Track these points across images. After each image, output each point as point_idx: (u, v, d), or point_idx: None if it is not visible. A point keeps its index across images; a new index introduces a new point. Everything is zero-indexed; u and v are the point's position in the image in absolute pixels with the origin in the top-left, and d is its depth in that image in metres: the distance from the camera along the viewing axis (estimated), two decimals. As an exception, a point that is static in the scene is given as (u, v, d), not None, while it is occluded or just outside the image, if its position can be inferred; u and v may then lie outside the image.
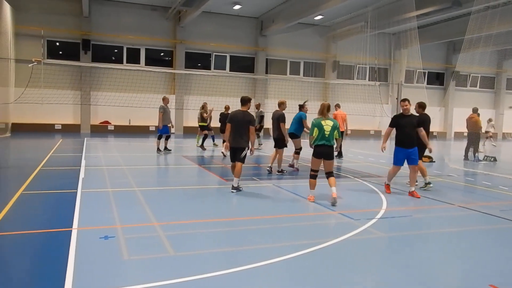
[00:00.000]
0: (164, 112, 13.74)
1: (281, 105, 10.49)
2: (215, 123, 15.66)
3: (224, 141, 14.51)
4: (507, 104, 32.37)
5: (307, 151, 9.79)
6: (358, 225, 5.86)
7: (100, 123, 23.49)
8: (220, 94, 21.80)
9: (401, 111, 8.20)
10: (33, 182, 8.39)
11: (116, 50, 23.83)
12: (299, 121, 10.74)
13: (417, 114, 8.80)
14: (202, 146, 15.51)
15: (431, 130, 9.14)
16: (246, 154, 8.00)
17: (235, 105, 14.23)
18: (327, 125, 7.10)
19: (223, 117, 14.43)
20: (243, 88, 24.57)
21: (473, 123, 15.16)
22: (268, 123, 22.23)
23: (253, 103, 8.71)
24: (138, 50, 24.00)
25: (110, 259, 4.31)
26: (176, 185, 9.38)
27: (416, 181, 8.83)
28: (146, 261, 4.31)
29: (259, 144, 16.12)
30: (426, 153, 8.86)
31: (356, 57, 27.19)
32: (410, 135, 7.91)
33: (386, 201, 7.52)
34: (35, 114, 21.40)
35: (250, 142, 7.94)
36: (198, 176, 10.61)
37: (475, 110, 15.44)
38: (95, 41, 22.83)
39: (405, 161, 8.08)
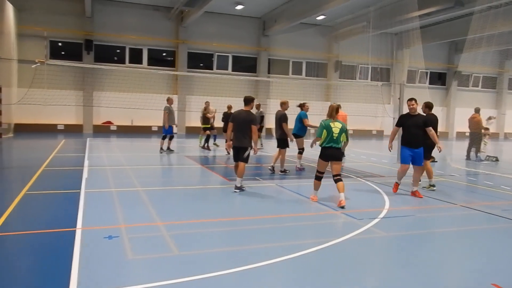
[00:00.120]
0: (169, 112, 13.86)
1: (283, 105, 10.52)
2: (218, 122, 15.71)
3: (226, 141, 14.62)
4: (509, 104, 32.30)
5: (309, 151, 9.82)
6: (361, 224, 5.88)
7: (103, 123, 23.56)
8: (222, 94, 21.80)
9: (408, 111, 8.18)
10: (37, 182, 8.43)
11: (118, 51, 23.89)
12: (301, 121, 10.79)
13: (424, 114, 8.76)
14: (205, 146, 15.54)
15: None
16: (249, 154, 8.03)
17: (237, 106, 14.31)
18: (336, 127, 7.02)
19: (226, 117, 14.46)
20: (245, 88, 24.59)
21: (475, 123, 15.15)
22: (269, 123, 22.39)
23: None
24: (141, 50, 24.06)
25: (115, 259, 4.34)
26: (179, 185, 9.41)
27: (420, 181, 8.85)
28: (150, 260, 4.34)
29: (260, 144, 16.15)
30: (435, 152, 8.82)
31: (358, 57, 27.25)
32: (416, 135, 7.87)
33: (389, 201, 7.54)
34: (38, 115, 21.48)
35: (253, 141, 7.97)
36: (201, 176, 10.64)
37: (477, 110, 15.43)
38: (97, 41, 22.89)
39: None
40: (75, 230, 5.21)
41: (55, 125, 22.56)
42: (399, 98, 13.90)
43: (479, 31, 17.57)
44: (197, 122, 20.02)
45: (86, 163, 11.16)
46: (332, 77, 27.15)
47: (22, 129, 20.74)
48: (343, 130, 7.08)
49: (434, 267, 4.52)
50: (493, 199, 8.26)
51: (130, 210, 6.41)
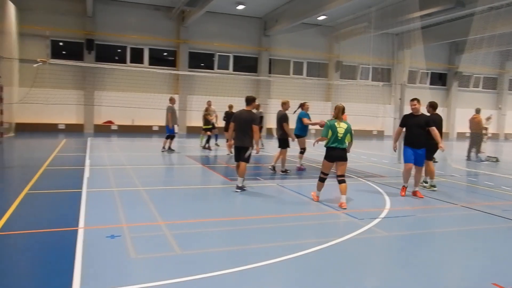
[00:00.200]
0: (172, 112, 14.00)
1: (284, 105, 10.53)
2: (220, 122, 15.74)
3: (227, 140, 14.66)
4: (509, 104, 32.30)
5: (311, 152, 9.87)
6: (362, 224, 5.91)
7: (104, 122, 23.58)
8: (223, 94, 21.80)
9: (411, 111, 8.16)
10: (38, 181, 8.45)
11: (119, 50, 23.92)
12: (301, 121, 10.82)
13: (428, 114, 8.74)
14: (205, 146, 15.57)
15: None
16: (250, 153, 8.05)
17: (238, 105, 14.34)
18: (341, 127, 7.00)
19: (228, 116, 14.49)
20: (246, 88, 24.58)
21: (476, 124, 15.16)
22: (270, 123, 22.41)
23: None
24: (142, 50, 24.08)
25: (117, 258, 4.37)
26: (180, 184, 9.44)
27: (425, 181, 8.83)
28: (153, 259, 4.36)
29: (261, 144, 16.17)
30: (437, 152, 8.82)
31: (359, 57, 27.25)
32: (418, 135, 7.88)
33: (390, 201, 7.56)
34: (39, 114, 21.50)
35: (254, 141, 7.99)
36: (202, 175, 10.67)
37: (478, 111, 15.44)
38: (98, 41, 22.92)
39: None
40: (77, 230, 5.24)
41: (56, 125, 22.59)
42: (400, 99, 13.92)
43: (480, 32, 17.58)
44: (198, 122, 20.05)
45: (87, 162, 11.19)
46: (333, 77, 27.17)
47: (23, 129, 20.76)
48: (348, 131, 7.05)
49: (435, 267, 4.54)
50: (494, 200, 8.28)
51: (132, 209, 6.44)
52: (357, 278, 4.17)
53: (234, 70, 25.82)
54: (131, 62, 23.79)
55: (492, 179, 10.91)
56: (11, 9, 19.62)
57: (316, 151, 15.35)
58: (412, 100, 8.11)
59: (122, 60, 23.80)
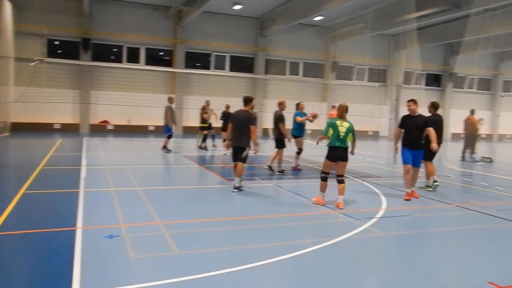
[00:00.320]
0: (171, 112, 14.08)
1: (280, 105, 10.56)
2: (217, 122, 15.74)
3: (224, 140, 14.69)
4: (503, 106, 32.52)
5: (307, 152, 9.93)
6: (359, 224, 5.96)
7: (100, 122, 23.50)
8: (219, 94, 21.88)
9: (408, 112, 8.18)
10: (35, 181, 8.43)
11: (116, 49, 23.84)
12: (298, 122, 10.90)
13: (426, 115, 8.70)
14: (202, 146, 15.58)
15: None
16: (247, 154, 8.08)
17: (235, 105, 14.36)
18: (343, 126, 6.93)
19: (225, 116, 14.51)
20: (243, 88, 24.64)
21: (470, 124, 15.30)
22: (266, 123, 22.44)
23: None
24: (138, 49, 24.02)
25: (116, 258, 4.39)
26: (178, 184, 9.45)
27: (428, 186, 8.85)
28: (152, 259, 4.39)
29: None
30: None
31: (355, 58, 27.37)
32: (415, 136, 7.89)
33: (386, 201, 7.62)
34: (34, 113, 21.38)
35: (252, 141, 8.02)
36: (200, 176, 10.69)
37: (472, 112, 15.58)
38: (95, 40, 22.84)
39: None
40: (75, 230, 5.25)
41: (52, 124, 22.48)
42: (395, 99, 14.00)
43: (475, 34, 17.73)
44: (194, 122, 20.06)
45: (84, 162, 11.17)
46: (329, 78, 27.25)
47: (19, 128, 20.65)
48: (350, 130, 6.98)
49: (432, 266, 4.60)
50: (488, 200, 8.37)
51: (130, 209, 6.45)
52: (355, 278, 4.22)
53: (231, 70, 25.83)
54: (128, 61, 23.73)
55: (487, 180, 11.02)
56: (8, 7, 19.51)
57: (312, 151, 15.41)
58: (408, 101, 8.12)
59: (119, 60, 23.74)
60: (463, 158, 15.30)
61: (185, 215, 6.30)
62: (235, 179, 8.10)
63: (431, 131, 7.91)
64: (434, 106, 9.08)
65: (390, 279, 4.25)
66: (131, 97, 21.45)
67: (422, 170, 8.65)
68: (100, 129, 23.13)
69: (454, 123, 29.80)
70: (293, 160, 11.36)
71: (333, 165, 7.11)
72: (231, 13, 24.64)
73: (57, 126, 22.62)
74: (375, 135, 29.04)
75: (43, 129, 21.59)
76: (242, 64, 26.24)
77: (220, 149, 15.33)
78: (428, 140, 8.05)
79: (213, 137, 16.14)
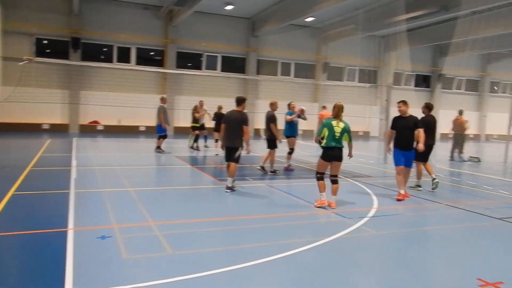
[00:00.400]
0: (164, 112, 14.09)
1: (272, 105, 10.58)
2: (210, 123, 15.70)
3: (216, 141, 14.69)
4: (490, 106, 32.99)
5: (299, 152, 9.98)
6: (351, 223, 6.02)
7: (89, 123, 23.29)
8: (211, 94, 21.87)
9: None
10: (24, 182, 8.33)
11: (106, 49, 23.66)
12: (289, 122, 10.99)
13: (418, 115, 8.76)
14: (193, 146, 15.55)
15: None
16: (240, 154, 8.10)
17: (226, 105, 14.37)
18: (338, 126, 6.85)
19: (217, 117, 14.50)
20: (234, 88, 24.64)
21: (458, 125, 15.51)
22: (257, 124, 22.47)
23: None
24: (129, 49, 23.86)
25: (109, 259, 4.37)
26: (170, 185, 9.42)
27: (434, 179, 8.84)
28: (145, 260, 4.38)
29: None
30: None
31: (346, 58, 27.55)
32: (406, 137, 7.94)
33: (377, 200, 7.70)
34: (22, 114, 21.10)
35: (245, 141, 8.04)
36: (192, 176, 10.67)
37: (460, 112, 15.80)
38: (85, 39, 22.63)
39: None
40: (66, 231, 5.21)
41: (40, 125, 22.21)
42: (386, 100, 14.14)
43: (463, 35, 17.95)
44: (185, 123, 19.99)
45: (73, 163, 11.07)
46: (320, 78, 27.38)
47: (6, 128, 20.38)
48: (346, 130, 6.90)
49: (422, 263, 4.68)
50: (476, 199, 8.51)
51: (122, 210, 6.43)
52: (348, 276, 4.26)
53: (222, 70, 25.81)
54: (118, 61, 23.56)
55: (475, 179, 11.19)
56: (-5, 6, 19.26)
57: (304, 151, 15.49)
58: (398, 102, 8.19)
59: (109, 59, 23.55)
60: (451, 158, 15.50)
61: (178, 216, 6.29)
62: (227, 179, 8.11)
63: (420, 132, 7.98)
64: (428, 107, 9.20)
65: (382, 276, 4.30)
66: (121, 97, 21.29)
67: (424, 170, 8.73)
68: (90, 130, 22.93)
69: (442, 123, 30.17)
70: (285, 160, 11.40)
71: (328, 165, 7.03)
72: (223, 13, 24.62)
73: (45, 127, 22.36)
74: (366, 135, 29.25)
75: (32, 130, 21.32)
76: (233, 65, 26.23)
77: (212, 149, 15.32)
78: (425, 140, 8.17)
79: (205, 137, 16.12)
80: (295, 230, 5.81)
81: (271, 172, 10.45)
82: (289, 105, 11.23)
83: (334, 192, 6.99)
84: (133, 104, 19.94)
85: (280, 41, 25.96)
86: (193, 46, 24.87)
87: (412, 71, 29.80)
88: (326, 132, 6.89)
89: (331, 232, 5.57)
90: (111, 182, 8.80)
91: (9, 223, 5.66)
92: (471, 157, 15.72)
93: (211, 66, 25.49)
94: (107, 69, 20.98)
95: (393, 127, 8.26)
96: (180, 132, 23.27)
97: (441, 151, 17.57)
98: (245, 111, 8.27)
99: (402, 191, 7.90)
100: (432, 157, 15.14)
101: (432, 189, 8.77)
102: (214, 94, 22.00)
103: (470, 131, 21.73)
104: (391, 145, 8.27)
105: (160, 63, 24.59)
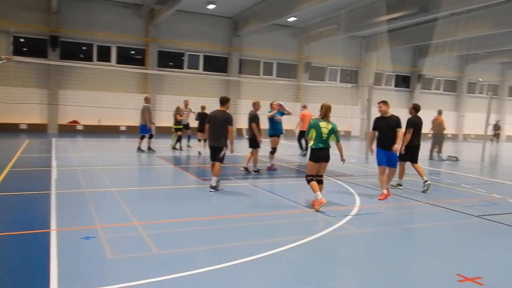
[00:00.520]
0: (149, 112, 14.08)
1: (254, 105, 10.62)
2: (194, 122, 15.64)
3: (199, 140, 14.64)
4: (468, 106, 33.82)
5: (282, 152, 10.05)
6: (334, 221, 6.10)
7: (69, 122, 22.86)
8: (193, 93, 21.74)
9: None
10: (3, 183, 8.15)
11: (85, 48, 23.26)
12: (271, 121, 11.07)
13: (402, 116, 8.87)
14: (175, 147, 15.45)
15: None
16: (224, 154, 8.11)
17: (208, 105, 14.36)
18: (325, 127, 6.80)
19: (200, 117, 14.46)
20: (216, 88, 24.57)
21: (438, 124, 15.84)
22: (239, 124, 22.46)
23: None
24: (109, 48, 23.51)
25: (95, 259, 4.33)
26: (153, 185, 9.34)
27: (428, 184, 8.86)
28: (131, 259, 4.36)
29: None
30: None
31: (328, 58, 27.82)
32: (388, 137, 7.94)
33: (359, 199, 7.83)
34: (-1, 113, 20.59)
35: (229, 141, 8.07)
36: (175, 176, 10.61)
37: (440, 112, 16.15)
38: (64, 38, 22.19)
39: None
40: (49, 232, 5.13)
41: (18, 125, 21.70)
42: (367, 100, 14.34)
43: (442, 37, 18.37)
44: (167, 122, 19.85)
45: (54, 163, 10.87)
46: (302, 78, 27.57)
47: (-18, 128, 19.84)
48: (333, 131, 6.87)
49: (404, 260, 4.79)
50: (455, 197, 8.74)
51: (105, 210, 6.36)
52: (332, 273, 4.34)
53: (204, 70, 25.71)
54: (98, 60, 23.20)
55: (453, 178, 11.47)
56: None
57: (286, 151, 15.58)
58: (379, 102, 8.21)
59: (89, 58, 23.16)
60: (431, 157, 15.84)
61: (162, 215, 6.26)
62: (212, 178, 8.10)
63: (400, 132, 7.98)
64: (415, 108, 9.30)
65: (365, 272, 4.39)
66: (101, 96, 21.01)
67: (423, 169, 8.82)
68: (69, 130, 22.51)
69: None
70: (268, 159, 11.45)
71: (318, 166, 6.93)
72: (205, 13, 24.52)
73: (23, 127, 21.85)
74: (347, 135, 29.60)
75: (9, 130, 20.77)
76: (216, 64, 26.16)
77: (194, 149, 15.26)
78: (412, 141, 8.33)
79: (188, 137, 16.05)
80: (280, 229, 5.86)
81: (255, 171, 10.48)
82: (271, 104, 11.33)
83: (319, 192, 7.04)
84: (114, 103, 19.67)
85: (262, 40, 26.02)
86: (175, 45, 24.70)
87: (392, 72, 30.32)
88: (313, 133, 6.85)
89: (315, 231, 5.64)
90: (93, 182, 8.68)
91: (-12, 225, 5.52)
92: (449, 156, 16.10)
93: (193, 65, 25.35)
94: (86, 68, 20.58)
95: (375, 127, 8.29)
96: (162, 132, 23.06)
97: (421, 150, 17.97)
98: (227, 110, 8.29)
99: (384, 191, 8.01)
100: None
101: (423, 191, 8.77)
102: (196, 94, 21.89)
103: (449, 130, 22.23)
104: (374, 146, 8.33)
105: (141, 62, 24.32)
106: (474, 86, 34.54)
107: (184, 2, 19.76)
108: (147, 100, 14.39)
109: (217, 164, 8.03)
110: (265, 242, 5.08)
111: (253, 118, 10.32)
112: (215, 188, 8.01)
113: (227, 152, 8.22)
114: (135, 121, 14.39)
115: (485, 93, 33.58)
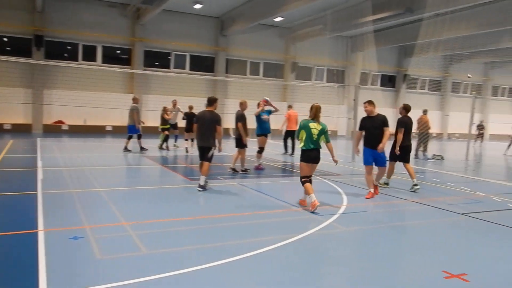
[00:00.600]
0: (138, 112, 14.07)
1: (241, 105, 10.62)
2: (181, 122, 15.59)
3: (186, 140, 14.60)
4: (452, 106, 34.36)
5: (269, 151, 10.09)
6: (322, 220, 6.17)
7: (54, 122, 22.55)
8: (179, 93, 21.61)
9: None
10: (-12, 184, 8.04)
11: (70, 47, 22.95)
12: (258, 120, 11.11)
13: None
14: (162, 147, 15.37)
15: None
16: (213, 153, 8.12)
17: (195, 105, 14.34)
18: (315, 128, 6.74)
19: (188, 117, 14.43)
20: (203, 88, 24.51)
21: (423, 124, 16.06)
22: (227, 123, 22.44)
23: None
24: (95, 47, 23.26)
25: (83, 259, 4.30)
26: (140, 185, 9.28)
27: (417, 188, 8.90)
28: (121, 259, 4.35)
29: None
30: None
31: (314, 58, 27.97)
32: (375, 136, 7.94)
33: (346, 198, 7.92)
34: (-18, 113, 20.21)
35: (217, 141, 8.08)
36: (162, 176, 10.57)
37: (425, 112, 16.37)
38: (48, 37, 21.87)
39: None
40: (37, 232, 5.08)
41: (1, 125, 21.32)
42: (354, 100, 14.48)
43: (427, 37, 18.63)
44: (153, 122, 19.73)
45: (39, 164, 10.72)
46: (288, 78, 27.67)
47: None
48: (323, 132, 6.81)
49: (390, 257, 4.88)
50: (440, 195, 8.89)
51: (93, 210, 6.31)
52: (321, 271, 4.40)
53: (191, 69, 25.61)
54: (84, 60, 22.92)
55: (438, 176, 11.67)
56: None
57: (274, 150, 15.62)
58: (364, 102, 8.23)
59: (74, 58, 22.87)
60: (416, 156, 16.05)
61: (151, 215, 6.24)
62: (200, 177, 8.10)
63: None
64: (405, 108, 9.36)
65: (353, 269, 4.46)
66: (87, 96, 20.78)
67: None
68: (54, 130, 22.20)
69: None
70: (255, 159, 11.48)
71: (310, 167, 6.87)
72: (192, 12, 24.43)
73: (7, 127, 21.47)
74: (334, 134, 29.82)
75: (-9, 130, 20.42)
76: (202, 64, 26.09)
77: (181, 149, 15.22)
78: (403, 141, 8.47)
79: (176, 137, 15.99)
80: (268, 228, 5.90)
81: (242, 171, 10.50)
82: (258, 104, 11.37)
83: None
84: (100, 103, 19.49)
85: (249, 40, 26.03)
86: (161, 45, 24.55)
87: (378, 71, 30.63)
88: (303, 134, 6.81)
89: (303, 229, 5.70)
90: (80, 182, 8.60)
91: (-27, 227, 5.43)
92: (434, 155, 16.36)
93: (180, 65, 25.24)
94: (72, 68, 20.34)
95: (361, 127, 8.29)
96: (148, 131, 22.89)
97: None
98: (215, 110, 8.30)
99: (371, 190, 8.09)
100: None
101: (410, 190, 8.87)
102: (183, 94, 21.79)
103: (434, 129, 22.56)
104: (360, 147, 8.33)
105: (127, 62, 24.11)
106: (459, 86, 35.12)
107: (170, 2, 19.66)
108: (135, 100, 14.34)
109: (206, 163, 8.04)
110: (253, 241, 5.12)
111: (240, 118, 10.33)
112: (203, 187, 8.02)
113: (215, 152, 8.23)
114: (121, 121, 14.28)
115: (469, 93, 34.18)
